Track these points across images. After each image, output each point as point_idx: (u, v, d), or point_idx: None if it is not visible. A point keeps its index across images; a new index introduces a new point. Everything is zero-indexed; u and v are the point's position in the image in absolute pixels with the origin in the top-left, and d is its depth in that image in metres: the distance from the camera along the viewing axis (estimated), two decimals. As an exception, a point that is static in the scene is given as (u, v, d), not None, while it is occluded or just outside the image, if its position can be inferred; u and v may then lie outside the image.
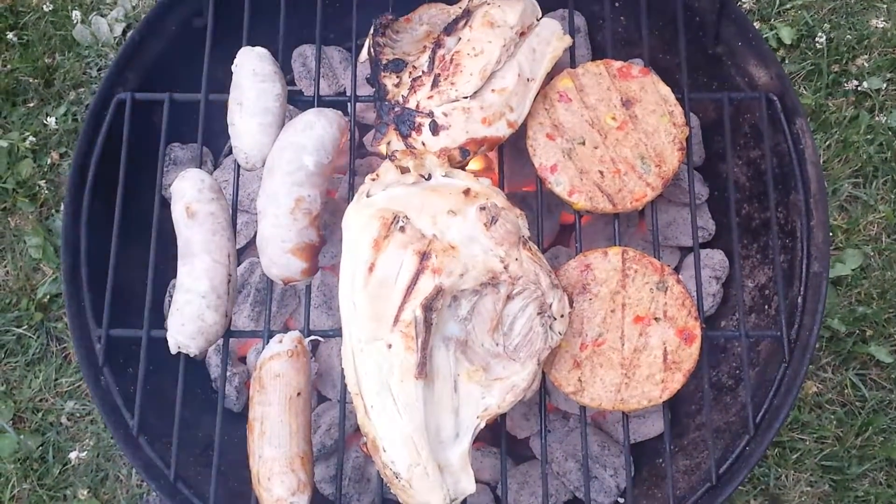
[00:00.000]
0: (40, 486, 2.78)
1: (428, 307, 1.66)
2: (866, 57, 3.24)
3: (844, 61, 3.25)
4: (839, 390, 2.87)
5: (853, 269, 2.97)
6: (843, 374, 2.87)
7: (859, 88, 3.19)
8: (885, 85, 3.20)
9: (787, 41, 3.27)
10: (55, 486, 2.79)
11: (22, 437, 2.82)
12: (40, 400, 2.89)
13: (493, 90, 1.89)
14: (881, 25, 3.27)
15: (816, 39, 3.24)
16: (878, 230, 3.04)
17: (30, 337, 2.94)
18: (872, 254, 3.00)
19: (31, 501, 2.77)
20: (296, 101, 2.14)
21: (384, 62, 1.96)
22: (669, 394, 1.80)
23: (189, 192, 1.85)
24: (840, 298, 2.95)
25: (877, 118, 3.16)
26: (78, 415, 2.87)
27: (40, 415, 2.86)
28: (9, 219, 3.09)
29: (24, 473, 2.79)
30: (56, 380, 2.90)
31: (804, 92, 3.20)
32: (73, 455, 2.80)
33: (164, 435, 1.93)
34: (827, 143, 3.12)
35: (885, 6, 3.33)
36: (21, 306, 2.97)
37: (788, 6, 3.34)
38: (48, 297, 2.99)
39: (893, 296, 2.94)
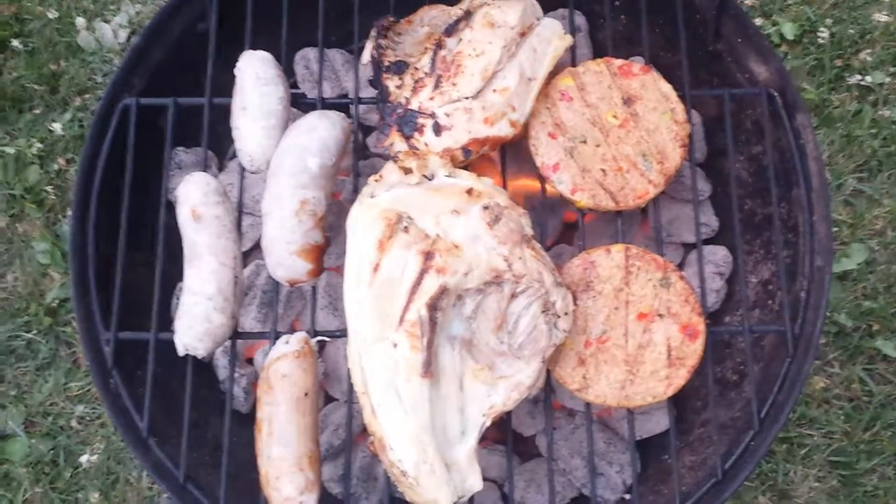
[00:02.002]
0: (52, 489, 2.80)
1: (433, 306, 1.67)
2: (869, 51, 3.24)
3: (847, 56, 3.25)
4: (846, 385, 2.87)
5: (859, 264, 2.97)
6: (851, 369, 2.87)
7: (862, 83, 3.20)
8: (888, 79, 3.21)
9: (790, 36, 3.27)
10: (67, 489, 2.81)
11: (33, 441, 2.84)
12: (51, 404, 2.91)
13: (494, 90, 1.90)
14: (884, 19, 3.27)
15: (819, 34, 3.25)
16: (884, 224, 3.04)
17: (39, 342, 2.96)
18: (878, 248, 3.00)
19: (43, 505, 2.79)
20: (299, 104, 2.15)
21: (386, 64, 1.98)
22: (674, 390, 1.81)
23: (194, 195, 1.86)
24: (846, 293, 2.95)
25: (880, 112, 3.16)
26: (88, 418, 2.89)
27: (51, 419, 2.88)
28: (17, 225, 3.11)
29: (35, 477, 2.81)
30: (66, 384, 2.93)
31: (807, 87, 3.20)
32: (83, 458, 2.82)
33: (173, 436, 1.94)
34: (831, 137, 3.12)
35: (887, 0, 3.33)
36: (30, 311, 2.99)
37: (790, 2, 3.34)
38: (57, 301, 3.01)
39: (899, 290, 2.95)
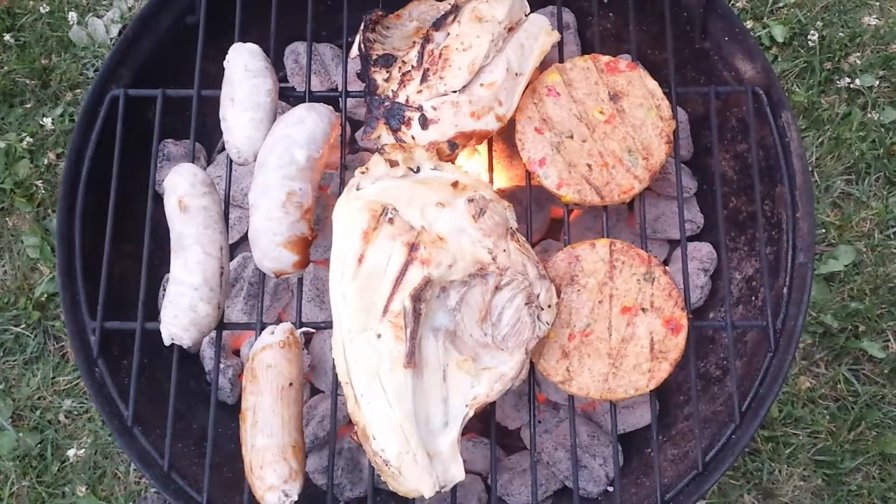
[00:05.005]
0: (39, 483, 2.80)
1: (417, 298, 1.68)
2: (858, 54, 3.27)
3: (837, 59, 3.27)
4: (832, 385, 2.88)
5: (846, 266, 2.99)
6: (836, 369, 2.89)
7: (852, 86, 3.22)
8: (877, 82, 3.23)
9: (780, 39, 3.29)
10: (54, 483, 2.81)
11: (21, 434, 2.84)
12: (38, 398, 2.91)
13: (481, 84, 1.91)
14: (873, 23, 3.29)
15: (809, 37, 3.27)
16: (871, 226, 3.06)
17: (28, 336, 2.97)
18: (865, 250, 3.02)
19: (31, 498, 2.79)
20: (287, 97, 2.15)
21: (374, 57, 1.99)
22: (656, 383, 1.82)
23: (182, 186, 1.87)
24: (833, 294, 2.97)
25: (869, 115, 3.18)
26: (76, 412, 2.90)
27: (39, 412, 2.89)
28: (6, 219, 3.11)
29: (23, 471, 2.81)
30: (54, 378, 2.93)
31: (797, 89, 3.22)
32: (71, 452, 2.82)
33: (158, 426, 1.95)
34: (820, 139, 3.14)
35: (877, 4, 3.35)
36: (19, 305, 3.00)
37: (781, 4, 3.36)
38: (46, 296, 3.01)
39: (886, 291, 2.96)
